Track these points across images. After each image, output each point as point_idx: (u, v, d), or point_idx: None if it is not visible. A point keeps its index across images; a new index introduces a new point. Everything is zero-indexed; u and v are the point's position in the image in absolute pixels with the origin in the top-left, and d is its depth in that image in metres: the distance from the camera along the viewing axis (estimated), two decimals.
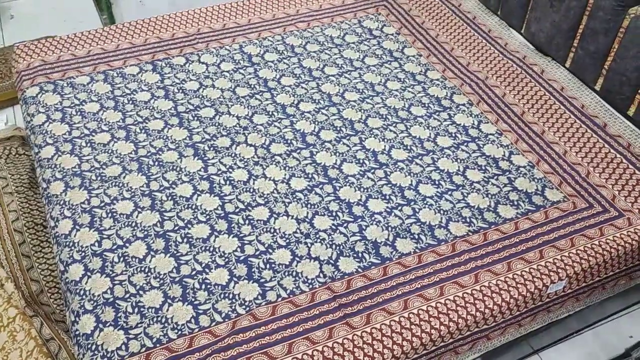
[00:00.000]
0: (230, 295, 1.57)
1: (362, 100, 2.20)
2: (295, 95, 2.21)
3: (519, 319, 1.65)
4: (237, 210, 1.78)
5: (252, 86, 2.24)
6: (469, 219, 1.77)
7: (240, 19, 2.58)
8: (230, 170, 1.91)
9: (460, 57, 2.40)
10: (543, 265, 1.64)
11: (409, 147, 2.01)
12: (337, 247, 1.69)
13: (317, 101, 2.19)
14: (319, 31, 2.54)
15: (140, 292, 1.57)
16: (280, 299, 1.56)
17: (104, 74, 2.25)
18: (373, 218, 1.77)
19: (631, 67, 2.05)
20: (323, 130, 2.07)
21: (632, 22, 2.01)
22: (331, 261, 1.65)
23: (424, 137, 2.05)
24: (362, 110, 2.15)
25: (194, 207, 1.79)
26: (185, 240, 1.69)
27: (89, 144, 1.97)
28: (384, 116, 2.13)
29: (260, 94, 2.21)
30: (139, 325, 1.49)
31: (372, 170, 1.92)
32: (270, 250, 1.68)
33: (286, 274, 1.62)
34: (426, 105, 2.19)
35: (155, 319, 1.51)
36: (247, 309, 1.54)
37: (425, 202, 1.83)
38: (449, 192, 1.86)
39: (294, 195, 1.83)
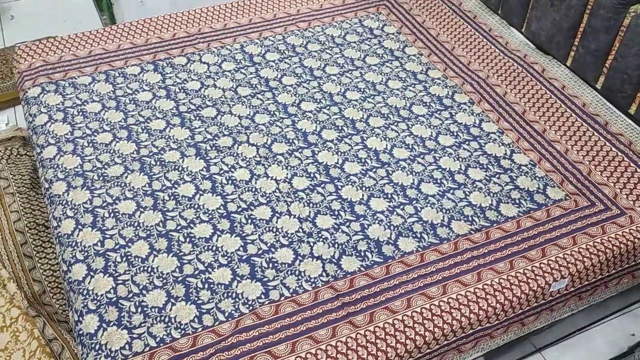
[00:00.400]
0: (234, 295, 1.57)
1: (364, 100, 2.20)
2: (297, 95, 2.21)
3: (522, 318, 1.65)
4: (240, 209, 1.79)
5: (254, 86, 2.24)
6: (471, 218, 1.78)
7: (241, 18, 2.58)
8: (232, 169, 1.91)
9: (461, 56, 2.41)
10: (545, 263, 1.64)
11: (410, 146, 2.01)
12: (340, 246, 1.69)
13: (318, 100, 2.19)
14: (319, 31, 2.54)
15: (144, 291, 1.57)
16: (283, 298, 1.56)
17: (105, 74, 2.26)
18: (375, 217, 1.77)
19: (633, 65, 2.05)
20: (325, 129, 2.07)
21: (633, 20, 2.01)
22: (334, 260, 1.65)
23: (426, 136, 2.06)
24: (364, 110, 2.16)
25: (196, 206, 1.79)
26: (187, 239, 1.69)
27: (91, 144, 1.97)
28: (386, 115, 2.13)
29: (262, 93, 2.21)
30: (143, 324, 1.49)
31: (374, 170, 1.93)
32: (273, 250, 1.68)
33: (289, 273, 1.62)
34: (427, 104, 2.19)
35: (158, 319, 1.51)
36: (251, 308, 1.54)
37: (427, 200, 1.83)
38: (451, 191, 1.86)
39: (296, 195, 1.83)
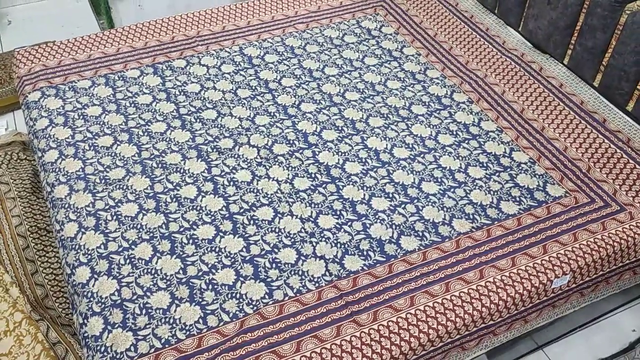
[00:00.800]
0: (238, 295, 1.57)
1: (363, 100, 2.21)
2: (296, 96, 2.22)
3: (524, 315, 1.66)
4: (242, 210, 1.79)
5: (253, 87, 2.25)
6: (472, 216, 1.79)
7: (240, 21, 2.59)
8: (234, 171, 1.92)
9: (459, 55, 2.42)
10: (547, 260, 1.65)
11: (410, 146, 2.02)
12: (342, 246, 1.70)
13: (318, 101, 2.20)
14: (318, 32, 2.55)
15: (148, 293, 1.57)
16: (287, 298, 1.57)
17: (105, 78, 2.26)
18: (377, 216, 1.78)
19: (629, 62, 2.07)
20: (325, 130, 2.08)
21: (629, 18, 2.03)
22: (337, 260, 1.66)
23: (425, 136, 2.07)
24: (363, 110, 2.17)
25: (198, 208, 1.79)
26: (190, 241, 1.70)
27: (92, 147, 1.98)
28: (385, 115, 2.14)
29: (262, 95, 2.22)
30: (147, 326, 1.50)
31: (375, 169, 1.94)
32: (276, 250, 1.69)
33: (292, 273, 1.63)
34: (427, 103, 2.20)
35: (163, 320, 1.51)
36: (255, 308, 1.54)
37: (428, 199, 1.84)
38: (452, 190, 1.87)
39: (297, 195, 1.84)
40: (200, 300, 1.56)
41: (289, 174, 1.91)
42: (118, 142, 2.00)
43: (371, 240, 1.71)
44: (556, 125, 2.10)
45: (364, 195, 1.85)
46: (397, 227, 1.75)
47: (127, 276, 1.61)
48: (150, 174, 1.90)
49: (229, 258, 1.66)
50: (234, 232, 1.73)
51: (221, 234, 1.72)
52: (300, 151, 1.99)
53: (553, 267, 1.64)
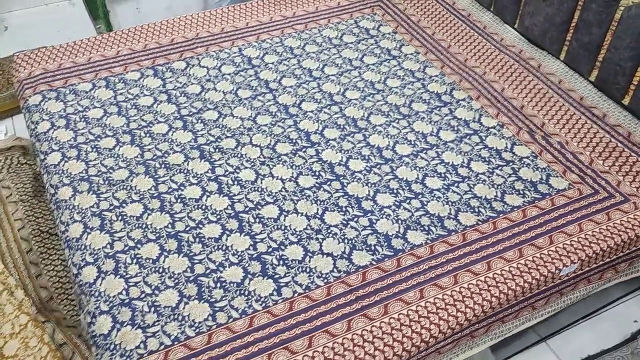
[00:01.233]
0: (246, 292, 1.57)
1: (364, 98, 2.22)
2: (297, 96, 2.23)
3: (532, 302, 1.68)
4: (247, 209, 1.79)
5: (254, 88, 2.26)
6: (477, 209, 1.80)
7: (238, 22, 2.60)
8: (238, 170, 1.92)
9: (457, 53, 2.44)
10: (553, 250, 1.66)
11: (412, 142, 2.03)
12: (350, 242, 1.70)
13: (318, 100, 2.21)
14: (316, 32, 2.56)
15: (156, 291, 1.56)
16: (296, 295, 1.56)
17: (105, 80, 2.26)
18: (382, 212, 1.79)
19: (625, 56, 2.09)
20: (327, 128, 2.09)
21: (624, 12, 2.06)
22: (345, 255, 1.66)
23: (427, 132, 2.08)
24: (364, 108, 2.18)
25: (203, 207, 1.79)
26: (197, 240, 1.70)
27: (94, 149, 1.97)
28: (386, 113, 2.15)
29: (262, 95, 2.23)
30: (156, 323, 1.49)
31: (378, 166, 1.94)
32: (283, 247, 1.69)
33: (300, 270, 1.63)
34: (427, 101, 2.21)
35: (172, 317, 1.51)
36: (264, 305, 1.54)
37: (432, 194, 1.85)
38: (456, 184, 1.88)
39: (302, 193, 1.84)
40: (209, 297, 1.55)
41: (293, 173, 1.91)
42: (120, 144, 2.00)
43: (378, 236, 1.72)
44: (556, 121, 2.11)
45: (369, 191, 1.85)
46: (403, 222, 1.76)
47: (135, 276, 1.60)
48: (154, 174, 1.89)
49: (236, 256, 1.66)
50: (240, 230, 1.73)
51: (227, 232, 1.72)
52: (304, 150, 2.00)
53: (560, 257, 1.64)
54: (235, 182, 1.87)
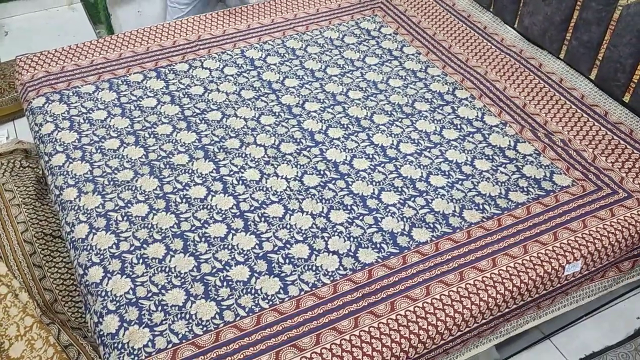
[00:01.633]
0: (253, 291, 1.57)
1: (366, 98, 2.23)
2: (300, 96, 2.23)
3: (538, 301, 1.68)
4: (252, 208, 1.80)
5: (257, 89, 2.26)
6: (481, 206, 1.80)
7: (240, 24, 2.61)
8: (242, 170, 1.92)
9: (458, 53, 2.45)
10: (558, 246, 1.67)
11: (416, 141, 2.04)
12: (355, 240, 1.70)
13: (322, 101, 2.21)
14: (318, 34, 2.57)
15: (163, 291, 1.56)
16: (303, 293, 1.57)
17: (108, 82, 2.26)
18: (387, 210, 1.79)
19: (625, 54, 2.10)
20: (330, 128, 2.09)
21: (624, 10, 2.07)
22: (350, 253, 1.67)
23: (430, 131, 2.09)
24: (367, 108, 2.18)
25: (209, 207, 1.79)
26: (203, 239, 1.70)
27: (99, 150, 1.97)
28: (389, 112, 2.16)
29: (266, 95, 2.23)
30: (164, 322, 1.49)
31: (382, 165, 1.95)
32: (288, 246, 1.69)
33: (306, 268, 1.63)
34: (429, 100, 2.22)
35: (179, 316, 1.51)
36: (270, 303, 1.54)
37: (437, 192, 1.85)
38: (460, 182, 1.89)
39: (307, 192, 1.85)
40: (216, 296, 1.56)
41: (297, 172, 1.92)
42: (125, 145, 2.00)
43: (383, 233, 1.72)
44: (559, 119, 2.12)
45: (374, 190, 1.86)
46: (408, 220, 1.76)
47: (141, 275, 1.60)
48: (159, 174, 1.89)
49: (242, 255, 1.66)
50: (245, 229, 1.73)
51: (233, 231, 1.72)
52: (308, 149, 2.00)
53: (565, 253, 1.65)
54: (240, 182, 1.87)
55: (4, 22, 3.47)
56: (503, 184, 1.88)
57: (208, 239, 1.70)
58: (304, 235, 1.72)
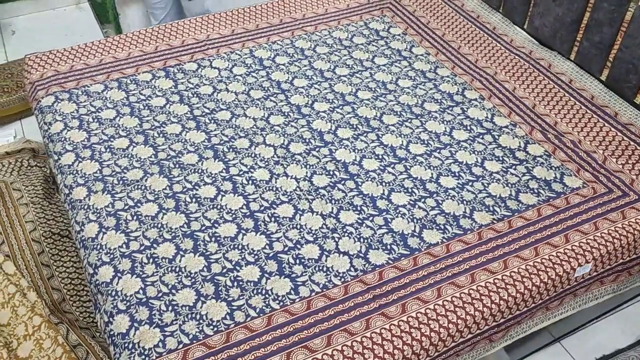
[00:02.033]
0: (263, 291, 1.57)
1: (375, 99, 2.22)
2: (309, 96, 2.23)
3: (547, 303, 1.67)
4: (262, 208, 1.79)
5: (266, 88, 2.26)
6: (492, 208, 1.79)
7: (248, 24, 2.60)
8: (252, 170, 1.92)
9: (468, 54, 2.44)
10: (569, 248, 1.66)
11: (426, 142, 2.03)
12: (365, 240, 1.70)
13: (331, 101, 2.21)
14: (326, 34, 2.57)
15: (173, 291, 1.56)
16: (314, 294, 1.56)
17: (117, 82, 2.26)
18: (398, 211, 1.79)
19: (637, 55, 2.09)
20: (340, 128, 2.09)
21: (636, 10, 2.06)
22: (361, 254, 1.66)
23: (440, 132, 2.08)
24: (377, 108, 2.18)
25: (219, 207, 1.79)
26: (213, 239, 1.69)
27: (108, 150, 1.97)
28: (399, 113, 2.16)
29: (275, 95, 2.23)
30: (174, 322, 1.49)
31: (392, 165, 1.94)
32: (299, 246, 1.68)
33: (317, 268, 1.63)
34: (439, 101, 2.22)
35: (190, 316, 1.50)
36: (281, 303, 1.54)
37: (447, 193, 1.84)
38: (470, 183, 1.88)
39: (317, 192, 1.84)
40: (226, 296, 1.55)
41: (307, 172, 1.91)
42: (134, 144, 2.00)
43: (394, 235, 1.71)
44: (568, 120, 2.11)
45: (384, 190, 1.85)
46: (419, 221, 1.75)
47: (152, 275, 1.60)
48: (168, 174, 1.89)
49: (252, 255, 1.66)
50: (255, 229, 1.73)
51: (243, 231, 1.72)
52: (317, 149, 2.00)
53: (576, 256, 1.64)
54: (250, 182, 1.87)
55: (11, 21, 3.48)
56: (513, 186, 1.87)
57: (218, 238, 1.69)
58: (314, 236, 1.71)
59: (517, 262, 1.63)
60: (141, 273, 1.60)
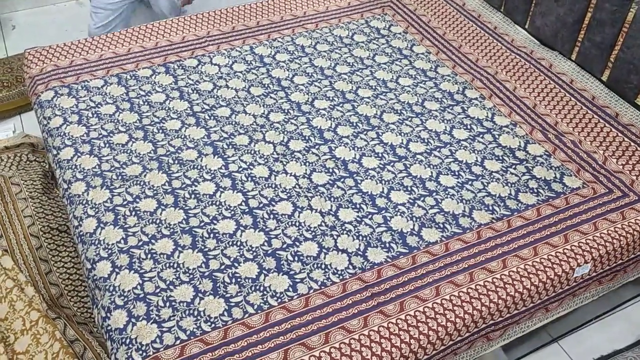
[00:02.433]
0: (261, 288, 1.56)
1: (376, 97, 2.22)
2: (309, 94, 2.22)
3: (546, 303, 1.66)
4: (261, 205, 1.79)
5: (266, 85, 2.25)
6: (491, 207, 1.79)
7: (249, 21, 2.60)
8: (251, 167, 1.91)
9: (468, 53, 2.44)
10: (569, 249, 1.66)
11: (426, 140, 2.03)
12: (364, 238, 1.69)
13: (331, 98, 2.20)
14: (327, 32, 2.56)
15: (171, 286, 1.56)
16: (312, 291, 1.56)
17: (117, 77, 2.26)
18: (397, 209, 1.78)
19: (639, 55, 2.09)
20: (340, 126, 2.08)
21: (638, 11, 2.06)
22: (359, 252, 1.66)
23: (440, 130, 2.07)
24: (377, 106, 2.17)
25: (217, 203, 1.78)
26: (211, 235, 1.69)
27: (107, 145, 1.97)
28: (399, 111, 2.15)
29: (275, 92, 2.22)
30: (172, 318, 1.48)
31: (392, 163, 1.94)
32: (297, 243, 1.68)
33: (315, 266, 1.62)
34: (439, 99, 2.21)
35: (187, 312, 1.50)
36: (279, 300, 1.53)
37: (447, 192, 1.84)
38: (470, 182, 1.88)
39: (316, 190, 1.84)
40: (224, 293, 1.55)
41: (306, 169, 1.91)
42: (133, 140, 1.99)
43: (393, 233, 1.71)
44: (569, 120, 2.11)
45: (383, 188, 1.85)
46: (418, 220, 1.75)
47: (149, 270, 1.59)
48: (167, 170, 1.89)
49: (251, 252, 1.65)
50: (254, 226, 1.72)
51: (242, 228, 1.72)
52: (317, 147, 1.99)
53: (575, 256, 1.64)
54: (249, 179, 1.87)
55: (11, 16, 3.47)
56: (513, 185, 1.87)
57: (217, 235, 1.69)
58: (313, 233, 1.71)
59: (516, 262, 1.63)
60: (139, 269, 1.59)
